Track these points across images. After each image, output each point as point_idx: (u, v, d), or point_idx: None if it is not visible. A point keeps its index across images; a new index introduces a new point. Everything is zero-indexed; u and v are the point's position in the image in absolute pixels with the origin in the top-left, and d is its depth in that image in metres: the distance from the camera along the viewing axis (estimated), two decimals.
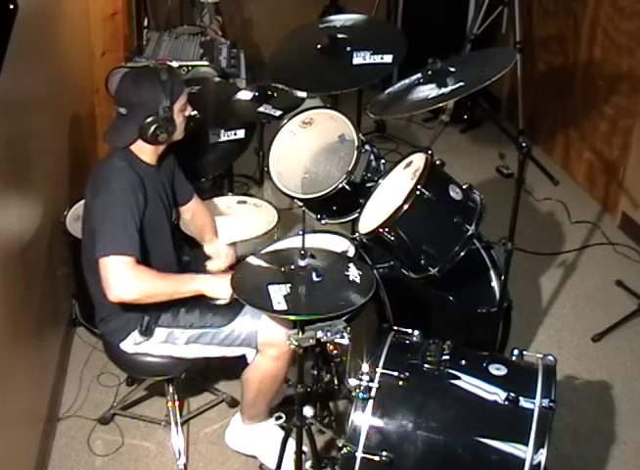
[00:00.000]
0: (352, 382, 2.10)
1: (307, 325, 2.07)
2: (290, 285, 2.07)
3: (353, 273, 2.16)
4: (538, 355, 2.26)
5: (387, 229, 2.47)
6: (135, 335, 2.46)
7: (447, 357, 2.18)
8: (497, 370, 2.17)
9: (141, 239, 2.31)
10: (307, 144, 2.92)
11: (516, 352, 2.27)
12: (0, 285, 2.25)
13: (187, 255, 2.73)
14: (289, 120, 2.92)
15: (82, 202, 2.55)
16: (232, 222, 2.88)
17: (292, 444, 2.35)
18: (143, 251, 2.32)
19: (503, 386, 2.12)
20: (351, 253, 2.65)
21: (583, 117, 4.42)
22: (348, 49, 2.96)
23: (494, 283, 2.80)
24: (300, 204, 2.79)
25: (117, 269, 2.22)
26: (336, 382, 2.73)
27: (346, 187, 2.66)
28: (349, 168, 2.67)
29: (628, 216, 4.02)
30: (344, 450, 2.08)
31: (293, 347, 2.08)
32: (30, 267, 2.67)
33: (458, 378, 2.15)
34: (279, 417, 2.52)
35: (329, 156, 2.88)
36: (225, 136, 3.19)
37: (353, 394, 2.10)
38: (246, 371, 2.54)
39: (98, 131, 3.89)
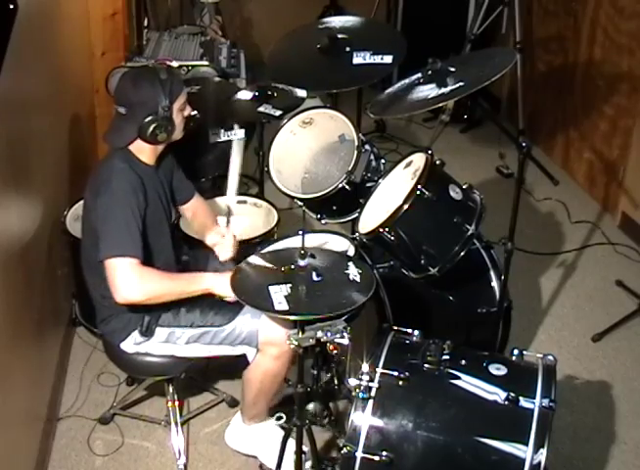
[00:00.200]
0: (352, 382, 2.10)
1: (307, 325, 2.07)
2: (290, 285, 2.07)
3: (353, 272, 2.16)
4: (538, 355, 2.26)
5: (387, 229, 2.47)
6: (135, 335, 2.46)
7: (447, 357, 2.18)
8: (497, 370, 2.17)
9: (143, 239, 2.31)
10: (307, 144, 2.92)
11: (516, 351, 2.27)
12: (0, 285, 2.25)
13: (186, 254, 2.73)
14: (289, 120, 2.92)
15: (82, 202, 2.55)
16: (232, 222, 2.88)
17: (292, 444, 2.35)
18: (145, 250, 2.33)
19: (503, 386, 2.12)
20: (351, 252, 2.65)
21: (583, 117, 4.42)
22: (348, 49, 2.96)
23: (494, 283, 2.80)
24: (300, 204, 2.79)
25: (124, 271, 2.22)
26: (336, 382, 2.73)
27: (346, 187, 2.66)
28: (349, 168, 2.67)
29: (628, 216, 4.02)
30: (344, 450, 2.08)
31: (293, 346, 2.08)
32: (30, 267, 2.67)
33: (458, 378, 2.15)
34: (279, 417, 2.52)
35: (329, 156, 2.88)
36: (225, 136, 3.19)
37: (353, 394, 2.10)
38: (246, 371, 2.54)
39: (98, 131, 3.89)
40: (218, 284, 2.35)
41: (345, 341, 2.04)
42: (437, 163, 2.56)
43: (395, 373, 2.14)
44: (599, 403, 3.00)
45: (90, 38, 3.86)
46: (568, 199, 4.35)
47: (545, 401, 2.07)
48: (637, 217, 3.95)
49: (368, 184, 2.76)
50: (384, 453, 2.06)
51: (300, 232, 2.15)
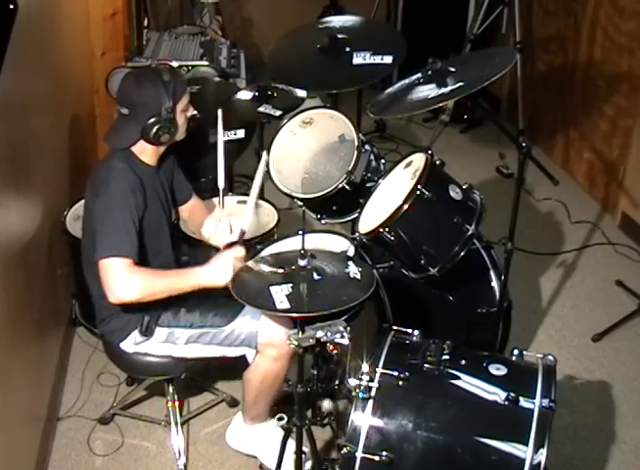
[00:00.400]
0: (352, 382, 2.09)
1: (307, 325, 2.07)
2: (291, 285, 2.07)
3: (353, 271, 2.16)
4: (538, 355, 2.26)
5: (387, 229, 2.47)
6: (135, 335, 2.46)
7: (447, 357, 2.18)
8: (497, 370, 2.17)
9: (140, 239, 2.32)
10: (307, 144, 2.92)
11: (516, 352, 2.27)
12: (0, 285, 2.26)
13: (186, 254, 2.73)
14: (289, 120, 2.92)
15: (82, 202, 2.56)
16: (232, 222, 2.87)
17: (292, 444, 2.35)
18: (142, 251, 2.33)
19: (503, 386, 2.12)
20: (351, 252, 2.65)
21: (583, 117, 4.42)
22: (348, 49, 2.96)
23: (494, 283, 2.80)
24: (300, 203, 2.79)
25: (117, 271, 2.23)
26: (336, 382, 2.73)
27: (346, 187, 2.66)
28: (349, 168, 2.67)
29: (628, 216, 4.02)
30: (344, 450, 2.08)
31: (293, 346, 2.08)
32: (30, 267, 2.67)
33: (458, 378, 2.15)
34: (280, 418, 2.52)
35: (329, 156, 2.88)
36: (225, 136, 3.18)
37: (353, 394, 2.10)
38: (246, 372, 2.54)
39: (98, 131, 3.89)
40: (205, 277, 2.33)
41: (345, 341, 2.04)
42: (437, 163, 2.56)
43: (395, 373, 2.14)
44: (599, 403, 3.00)
45: (90, 38, 3.86)
46: (568, 199, 4.35)
47: (545, 401, 2.07)
48: (637, 217, 3.95)
49: (368, 184, 2.76)
50: (384, 453, 2.06)
51: (300, 232, 2.15)
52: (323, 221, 2.85)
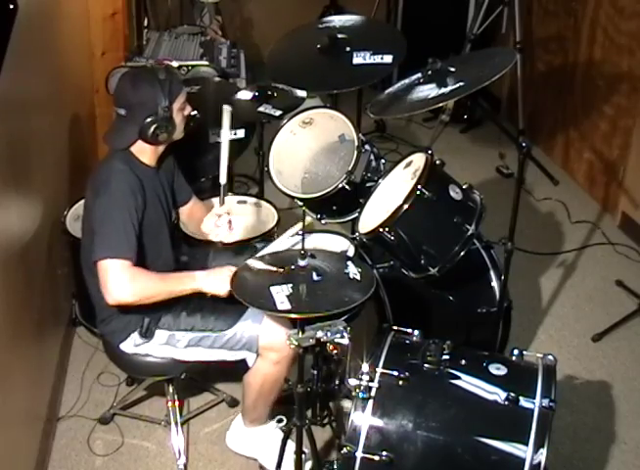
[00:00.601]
0: (352, 382, 2.09)
1: (307, 325, 2.07)
2: (291, 285, 2.07)
3: (353, 271, 2.16)
4: (538, 355, 2.26)
5: (387, 229, 2.47)
6: (135, 336, 2.46)
7: (447, 357, 2.18)
8: (497, 370, 2.17)
9: (140, 240, 2.31)
10: (307, 144, 2.92)
11: (516, 351, 2.27)
12: (0, 285, 2.25)
13: (185, 254, 2.72)
14: (289, 120, 2.92)
15: (82, 202, 2.55)
16: (232, 219, 2.87)
17: (291, 444, 2.35)
18: (142, 251, 2.33)
19: (503, 386, 2.11)
20: (351, 252, 2.65)
21: (583, 117, 4.42)
22: (348, 49, 2.96)
23: (494, 283, 2.80)
24: (300, 203, 2.79)
25: (114, 272, 2.22)
26: (336, 382, 2.73)
27: (346, 187, 2.66)
28: (349, 168, 2.67)
29: (628, 216, 4.02)
30: (344, 450, 2.08)
31: (292, 347, 2.08)
32: (30, 267, 2.67)
33: (458, 378, 2.15)
34: (280, 420, 2.52)
35: (329, 156, 2.88)
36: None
37: (353, 394, 2.10)
38: (247, 375, 2.54)
39: (98, 131, 3.89)
40: (207, 283, 2.34)
41: (345, 341, 2.04)
42: (437, 163, 2.56)
43: (395, 373, 2.13)
44: (599, 403, 3.00)
45: (90, 38, 3.85)
46: (568, 199, 4.35)
47: (545, 401, 2.07)
48: (637, 217, 3.95)
49: (368, 184, 2.76)
50: (384, 453, 2.06)
51: (300, 232, 2.15)
52: (323, 221, 2.85)
